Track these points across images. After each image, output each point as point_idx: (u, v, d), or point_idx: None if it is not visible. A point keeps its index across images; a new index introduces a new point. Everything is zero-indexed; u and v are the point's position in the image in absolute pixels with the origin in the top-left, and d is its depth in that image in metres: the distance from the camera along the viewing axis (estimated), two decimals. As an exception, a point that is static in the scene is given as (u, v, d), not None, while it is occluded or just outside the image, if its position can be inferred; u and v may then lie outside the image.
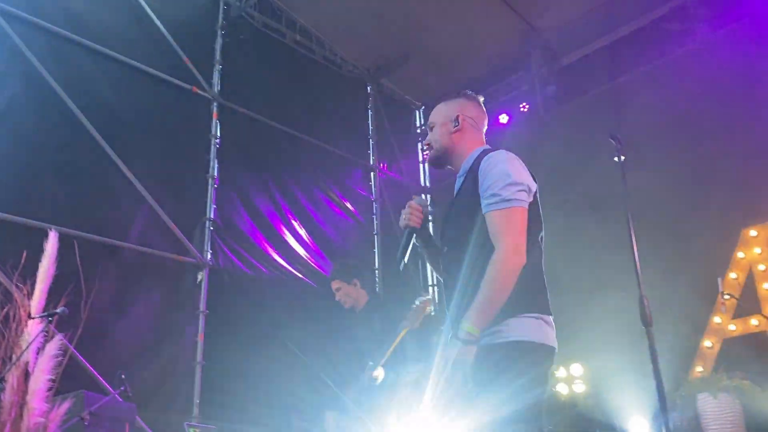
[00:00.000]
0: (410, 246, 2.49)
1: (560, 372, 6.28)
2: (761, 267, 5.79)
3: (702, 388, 5.15)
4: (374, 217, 9.10)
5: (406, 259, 2.49)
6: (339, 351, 3.95)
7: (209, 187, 6.96)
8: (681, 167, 6.44)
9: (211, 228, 6.84)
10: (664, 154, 6.53)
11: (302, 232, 7.87)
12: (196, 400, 6.15)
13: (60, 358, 4.05)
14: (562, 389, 6.21)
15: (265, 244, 7.32)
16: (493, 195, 2.21)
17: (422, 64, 9.27)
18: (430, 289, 9.60)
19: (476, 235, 2.24)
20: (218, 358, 6.37)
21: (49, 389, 4.08)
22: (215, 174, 7.06)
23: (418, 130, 10.37)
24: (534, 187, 2.32)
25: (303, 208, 8.00)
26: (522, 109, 8.99)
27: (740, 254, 5.92)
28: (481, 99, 2.67)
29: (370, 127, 9.52)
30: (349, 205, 8.75)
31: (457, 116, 2.52)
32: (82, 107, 6.04)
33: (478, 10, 8.33)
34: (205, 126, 7.21)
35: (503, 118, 9.06)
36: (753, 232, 5.95)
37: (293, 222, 7.79)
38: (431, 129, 2.62)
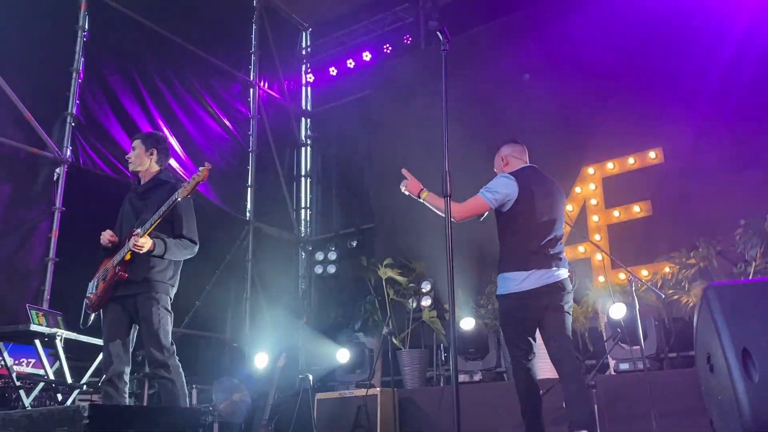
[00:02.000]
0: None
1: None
2: (593, 201, 6.44)
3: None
4: (251, 135, 9.07)
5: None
6: (123, 225, 3.73)
7: (73, 80, 6.65)
8: (540, 110, 6.87)
9: (73, 124, 6.58)
10: (529, 95, 6.96)
11: (173, 141, 7.72)
12: (47, 296, 6.04)
13: None
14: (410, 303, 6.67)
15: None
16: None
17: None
18: (303, 212, 9.79)
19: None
20: (71, 256, 6.25)
21: None
22: (80, 68, 6.74)
23: (303, 52, 10.32)
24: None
25: (175, 116, 7.84)
26: (405, 41, 9.19)
27: (577, 189, 6.54)
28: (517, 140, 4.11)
29: (253, 42, 9.36)
30: (226, 121, 8.66)
31: (504, 157, 3.99)
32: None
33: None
34: (73, 16, 6.81)
35: (387, 48, 9.25)
36: (591, 170, 6.58)
37: (164, 129, 7.61)
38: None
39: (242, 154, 8.92)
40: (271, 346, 7.12)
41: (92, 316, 3.58)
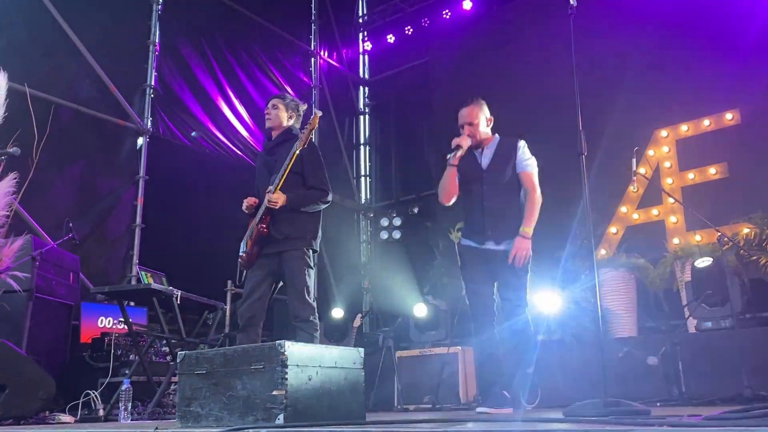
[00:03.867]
0: (454, 153, 3.67)
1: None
2: (667, 164, 6.44)
3: (605, 265, 5.81)
4: (313, 104, 9.21)
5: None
6: (259, 183, 3.92)
7: (150, 53, 6.87)
8: (609, 72, 6.84)
9: (152, 95, 6.81)
10: (592, 59, 6.91)
11: (241, 109, 7.93)
12: (135, 260, 6.34)
13: (14, 197, 4.14)
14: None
15: (205, 118, 7.36)
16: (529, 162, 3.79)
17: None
18: (362, 179, 9.95)
19: (514, 183, 3.76)
20: (155, 222, 6.54)
21: (2, 226, 4.20)
22: (156, 41, 6.94)
23: (360, 20, 10.37)
24: None
25: (242, 85, 8.02)
26: (463, 8, 9.15)
27: (650, 152, 6.54)
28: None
29: (313, 11, 9.45)
30: (288, 88, 8.80)
31: (488, 119, 3.87)
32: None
33: None
34: (148, -10, 7.01)
35: (445, 14, 9.22)
36: (664, 133, 6.55)
37: (233, 98, 7.82)
38: (471, 124, 3.75)
39: (304, 122, 9.07)
40: (342, 306, 7.35)
41: (245, 272, 3.76)
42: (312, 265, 3.71)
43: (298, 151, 3.51)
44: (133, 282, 6.09)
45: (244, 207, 3.79)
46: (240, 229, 4.08)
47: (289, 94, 8.71)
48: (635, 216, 6.45)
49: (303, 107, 4.04)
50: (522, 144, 3.82)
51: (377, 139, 10.20)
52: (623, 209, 6.50)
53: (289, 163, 3.50)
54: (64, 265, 5.15)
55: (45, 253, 4.63)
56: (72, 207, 5.91)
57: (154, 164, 6.71)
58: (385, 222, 8.93)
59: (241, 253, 3.82)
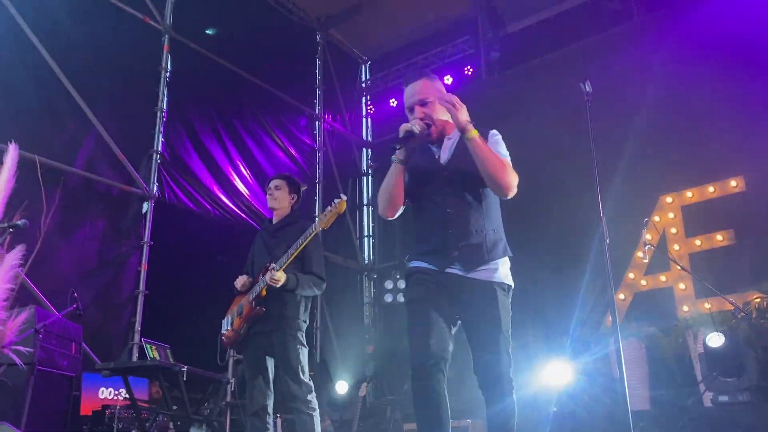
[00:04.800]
0: (402, 145, 2.72)
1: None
2: (673, 230, 6.44)
3: (613, 334, 5.71)
4: (317, 165, 9.28)
5: (398, 148, 2.74)
6: (255, 261, 3.90)
7: (158, 119, 6.94)
8: (612, 138, 6.92)
9: (159, 161, 6.85)
10: (596, 126, 7.00)
11: (246, 173, 7.98)
12: (138, 327, 6.24)
13: (19, 269, 4.10)
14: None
15: (211, 182, 7.40)
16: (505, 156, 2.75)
17: (371, 19, 9.41)
18: (366, 239, 9.95)
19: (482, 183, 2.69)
20: (159, 288, 6.47)
21: (6, 299, 4.14)
22: (164, 107, 7.03)
23: (363, 85, 10.55)
24: None
25: (248, 149, 8.10)
26: (466, 72, 9.33)
27: (656, 218, 6.55)
28: None
29: (317, 77, 9.62)
30: (293, 151, 8.90)
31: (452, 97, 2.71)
32: (32, 28, 5.88)
33: (429, -29, 8.53)
34: (156, 58, 7.13)
35: (448, 80, 9.37)
36: (669, 199, 6.58)
37: (238, 162, 7.89)
38: (424, 104, 2.75)
39: (307, 183, 9.13)
40: (346, 374, 7.21)
41: (229, 351, 3.71)
42: (305, 344, 3.66)
43: (315, 233, 3.51)
44: (135, 351, 5.99)
45: (238, 286, 3.77)
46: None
47: (294, 156, 8.85)
48: (643, 282, 6.41)
49: (303, 188, 4.07)
50: (495, 134, 2.82)
51: (380, 200, 10.22)
52: (630, 275, 6.47)
53: (303, 243, 3.49)
54: (66, 335, 5.04)
55: (48, 325, 4.55)
56: (76, 274, 5.86)
57: (158, 229, 6.69)
58: (389, 284, 8.86)
59: (224, 331, 3.79)
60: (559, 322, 6.28)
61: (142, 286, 6.40)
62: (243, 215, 7.67)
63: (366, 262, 9.77)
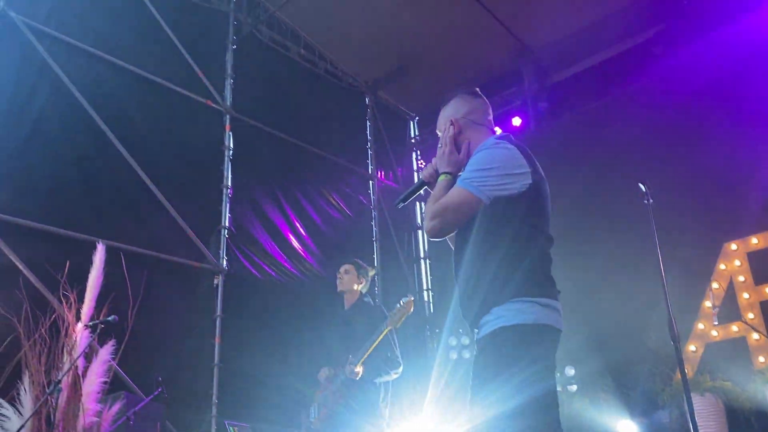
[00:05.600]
0: (415, 195, 2.62)
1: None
2: (741, 278, 6.33)
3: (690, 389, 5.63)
4: (373, 223, 9.50)
5: (405, 203, 2.66)
6: (328, 349, 4.16)
7: (224, 196, 7.28)
8: (667, 183, 6.92)
9: (227, 236, 7.16)
10: (651, 170, 7.00)
11: (306, 236, 8.23)
12: (215, 400, 6.46)
13: (111, 362, 4.37)
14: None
15: (275, 250, 7.67)
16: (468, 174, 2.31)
17: (417, 77, 9.68)
18: (425, 293, 10.05)
19: (479, 226, 2.24)
20: (233, 360, 6.70)
21: (99, 392, 4.41)
22: (229, 184, 7.38)
23: (413, 140, 10.78)
24: (526, 173, 2.30)
25: (308, 214, 8.38)
26: (514, 124, 9.45)
27: (722, 266, 6.46)
28: (476, 89, 2.69)
29: (369, 138, 9.91)
30: (348, 211, 9.14)
31: (451, 121, 2.55)
32: (105, 120, 6.31)
33: (471, 27, 8.77)
34: (219, 137, 7.52)
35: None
36: (733, 246, 6.49)
37: (299, 228, 8.16)
38: (441, 136, 2.62)
39: (366, 242, 9.33)
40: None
41: None
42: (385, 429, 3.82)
43: (386, 332, 3.70)
44: (213, 425, 6.20)
45: (321, 379, 3.97)
46: (308, 356, 4.18)
47: (349, 215, 9.08)
48: (714, 333, 6.30)
49: (371, 272, 4.27)
50: (483, 145, 2.43)
51: (438, 252, 10.34)
52: (700, 326, 6.37)
53: (377, 341, 3.68)
54: (150, 416, 5.30)
55: (138, 410, 4.80)
56: (156, 354, 6.11)
57: (228, 302, 6.96)
58: (453, 341, 8.90)
59: (311, 419, 3.97)
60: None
61: (216, 359, 6.64)
62: (303, 277, 7.89)
63: (427, 315, 9.85)
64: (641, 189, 3.18)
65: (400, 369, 3.92)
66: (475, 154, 2.39)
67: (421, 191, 2.62)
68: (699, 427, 5.40)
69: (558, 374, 6.72)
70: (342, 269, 4.17)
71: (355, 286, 4.13)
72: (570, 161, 7.86)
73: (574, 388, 6.58)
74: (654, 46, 8.21)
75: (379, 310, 3.95)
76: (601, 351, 6.58)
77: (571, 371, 6.86)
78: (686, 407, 2.83)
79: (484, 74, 9.65)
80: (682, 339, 6.34)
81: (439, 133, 2.64)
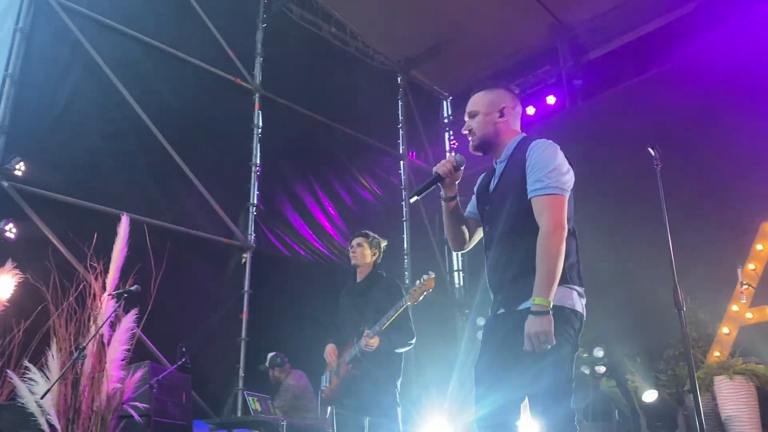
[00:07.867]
0: (429, 189, 2.65)
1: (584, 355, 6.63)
2: (778, 259, 6.10)
3: (719, 372, 5.48)
4: (403, 203, 9.47)
5: (419, 196, 2.66)
6: (347, 321, 4.12)
7: (252, 174, 7.36)
8: (705, 162, 6.71)
9: (255, 213, 7.23)
10: (690, 149, 6.79)
11: (336, 216, 8.26)
12: (241, 374, 6.58)
13: (134, 331, 4.48)
14: (584, 371, 6.57)
15: (304, 229, 7.72)
16: (539, 181, 2.39)
17: (451, 56, 9.55)
18: (455, 274, 9.99)
19: (522, 216, 2.42)
20: (260, 334, 6.79)
21: (123, 359, 4.52)
22: (258, 162, 7.44)
23: (445, 120, 10.68)
24: (572, 175, 2.48)
25: (337, 193, 8.40)
26: (549, 102, 9.26)
27: (759, 246, 6.23)
28: (516, 91, 2.79)
29: (400, 117, 9.85)
30: (379, 192, 9.13)
31: (503, 108, 2.58)
32: (136, 98, 6.43)
33: (507, 4, 8.59)
34: (248, 116, 7.58)
35: (530, 110, 9.34)
36: (771, 226, 6.25)
37: (328, 207, 8.18)
38: (472, 117, 2.63)
39: (396, 222, 9.31)
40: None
41: (329, 408, 3.91)
42: (399, 402, 3.79)
43: (405, 306, 3.70)
44: (240, 397, 6.31)
45: (327, 357, 3.98)
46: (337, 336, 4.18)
47: (380, 196, 9.07)
48: (748, 315, 6.09)
49: (384, 244, 4.24)
50: (538, 145, 2.48)
51: (468, 234, 10.26)
52: (734, 308, 6.16)
53: (394, 315, 3.69)
54: (177, 386, 5.42)
55: (161, 379, 4.91)
56: (184, 327, 6.23)
57: (256, 278, 7.05)
58: (481, 321, 8.83)
59: (323, 387, 3.99)
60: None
61: (243, 333, 6.75)
62: (332, 256, 7.93)
63: (457, 296, 9.80)
64: (650, 153, 3.03)
65: (413, 340, 3.92)
66: (533, 154, 2.46)
67: (438, 185, 2.68)
68: (730, 408, 5.29)
69: (585, 355, 6.61)
70: (354, 242, 4.17)
71: (369, 259, 4.12)
72: (608, 140, 7.67)
73: (603, 369, 6.44)
74: (695, 20, 7.92)
75: (395, 285, 3.95)
76: (633, 333, 6.45)
77: (599, 353, 6.72)
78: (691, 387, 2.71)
79: (519, 53, 9.48)
80: (716, 320, 6.20)
81: (475, 110, 2.64)
